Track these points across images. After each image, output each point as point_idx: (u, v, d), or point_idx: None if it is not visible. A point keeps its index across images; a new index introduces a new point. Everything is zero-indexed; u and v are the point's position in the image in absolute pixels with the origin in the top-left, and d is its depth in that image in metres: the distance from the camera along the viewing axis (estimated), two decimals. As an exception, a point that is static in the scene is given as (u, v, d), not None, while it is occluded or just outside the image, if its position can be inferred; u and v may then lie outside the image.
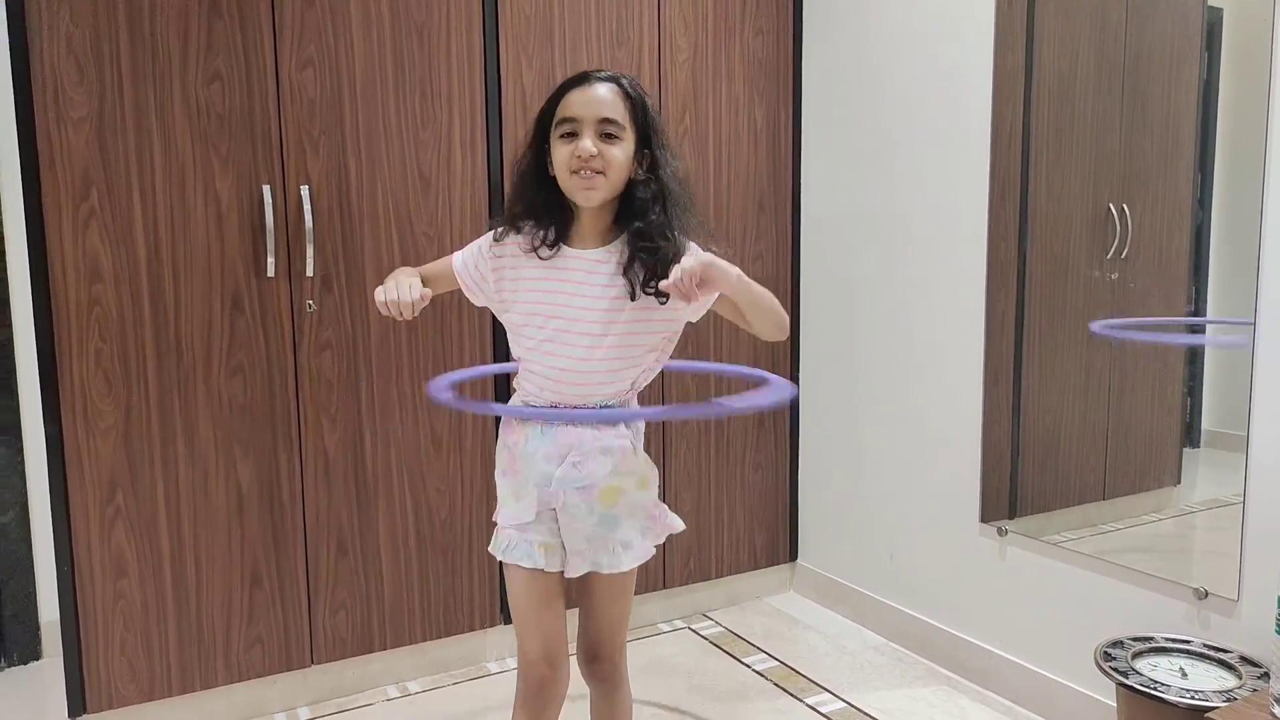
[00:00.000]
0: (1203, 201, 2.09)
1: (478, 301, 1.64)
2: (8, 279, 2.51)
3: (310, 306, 2.26)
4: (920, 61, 2.53)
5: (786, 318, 1.55)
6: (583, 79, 1.50)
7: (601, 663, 1.69)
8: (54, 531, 2.08)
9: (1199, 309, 2.11)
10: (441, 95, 2.37)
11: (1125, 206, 2.18)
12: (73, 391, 2.06)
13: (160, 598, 2.19)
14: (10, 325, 2.53)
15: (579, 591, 1.68)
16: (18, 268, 2.50)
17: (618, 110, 1.48)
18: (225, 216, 2.17)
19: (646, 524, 1.63)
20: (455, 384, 1.62)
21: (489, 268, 1.59)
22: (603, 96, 1.48)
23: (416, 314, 1.48)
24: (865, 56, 2.71)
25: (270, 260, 2.19)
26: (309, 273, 2.23)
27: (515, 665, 2.54)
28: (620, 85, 1.50)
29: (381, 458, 2.38)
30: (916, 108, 2.55)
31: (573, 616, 1.68)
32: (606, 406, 1.56)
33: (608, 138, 1.47)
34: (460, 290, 1.64)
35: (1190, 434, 2.19)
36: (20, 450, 2.56)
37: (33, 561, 2.61)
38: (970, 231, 2.41)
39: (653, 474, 1.64)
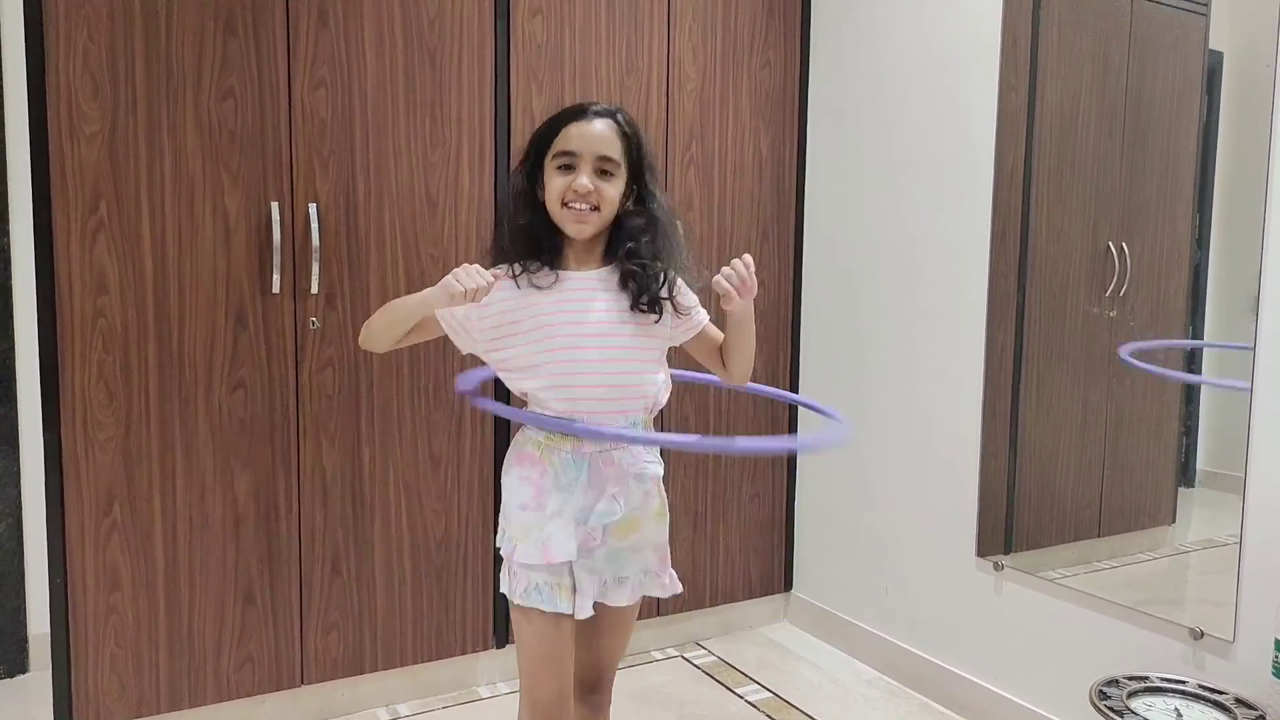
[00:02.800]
0: (1200, 241, 2.11)
1: (463, 347, 1.56)
2: (12, 289, 2.52)
3: (314, 324, 2.27)
4: (925, 97, 2.57)
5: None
6: (581, 113, 1.51)
7: (601, 693, 1.69)
8: (48, 543, 2.07)
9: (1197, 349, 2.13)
10: (451, 118, 2.40)
11: (1124, 244, 2.20)
12: (73, 402, 2.06)
13: (152, 613, 2.17)
14: (12, 335, 2.53)
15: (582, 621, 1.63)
16: (23, 278, 2.51)
17: (615, 148, 1.51)
18: (233, 232, 2.18)
19: (655, 566, 1.62)
20: (482, 382, 1.60)
21: (479, 312, 1.50)
22: (601, 133, 1.50)
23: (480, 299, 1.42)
24: (870, 90, 2.74)
25: (276, 277, 2.20)
26: (314, 290, 2.24)
27: (505, 690, 2.54)
28: (617, 122, 1.52)
29: (379, 477, 2.38)
30: (920, 142, 2.58)
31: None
32: (635, 424, 1.54)
33: (603, 174, 1.50)
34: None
35: (1186, 473, 2.20)
36: (17, 460, 2.56)
37: (24, 573, 2.59)
38: (971, 266, 2.43)
39: (666, 506, 1.65)
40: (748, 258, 1.45)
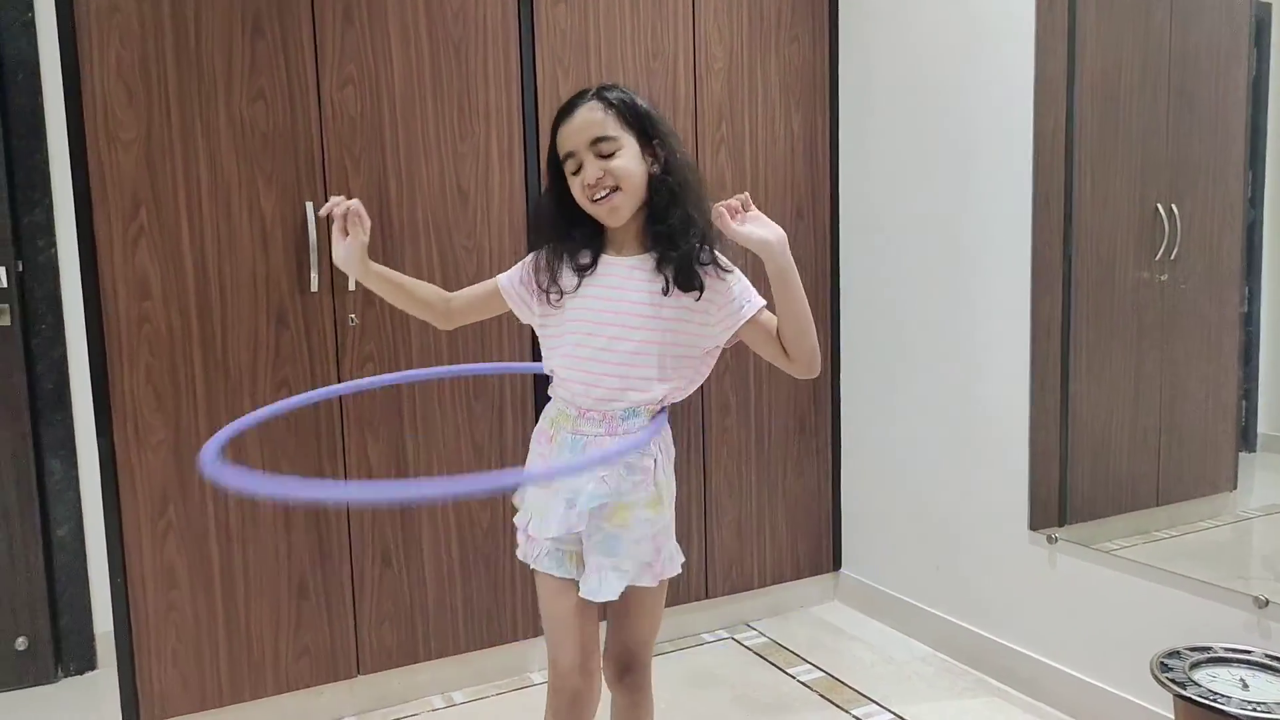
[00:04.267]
0: (1254, 199, 2.04)
1: (524, 318, 1.66)
2: (61, 298, 2.58)
3: (352, 321, 2.29)
4: (958, 66, 2.51)
5: (819, 351, 1.53)
6: (564, 112, 1.53)
7: (636, 673, 1.68)
8: (107, 544, 2.13)
9: (1253, 308, 2.06)
10: (479, 110, 2.39)
11: (1174, 206, 2.14)
12: (124, 407, 2.11)
13: (210, 609, 2.22)
14: (64, 343, 2.59)
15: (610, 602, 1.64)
16: (71, 287, 2.57)
17: (605, 125, 1.50)
18: (270, 233, 2.21)
19: (649, 558, 1.58)
20: (233, 437, 1.56)
21: (531, 287, 1.62)
22: (584, 120, 1.50)
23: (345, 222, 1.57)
24: (902, 62, 2.69)
25: (313, 275, 2.22)
26: (351, 286, 2.26)
27: (559, 676, 2.56)
28: (599, 98, 1.51)
29: (424, 468, 2.40)
30: (956, 113, 2.52)
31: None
32: (634, 414, 1.53)
33: (605, 155, 1.49)
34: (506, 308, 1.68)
35: (1246, 437, 2.14)
36: (75, 465, 2.62)
37: (88, 574, 2.67)
38: (1013, 236, 2.38)
39: (669, 494, 1.60)
40: (745, 194, 1.46)
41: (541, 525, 1.56)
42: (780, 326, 1.52)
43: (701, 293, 1.51)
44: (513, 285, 1.65)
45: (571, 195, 1.55)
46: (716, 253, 1.54)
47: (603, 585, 1.54)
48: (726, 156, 2.72)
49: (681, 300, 1.52)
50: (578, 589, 1.56)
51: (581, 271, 1.56)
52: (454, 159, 2.38)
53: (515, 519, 1.65)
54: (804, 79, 2.85)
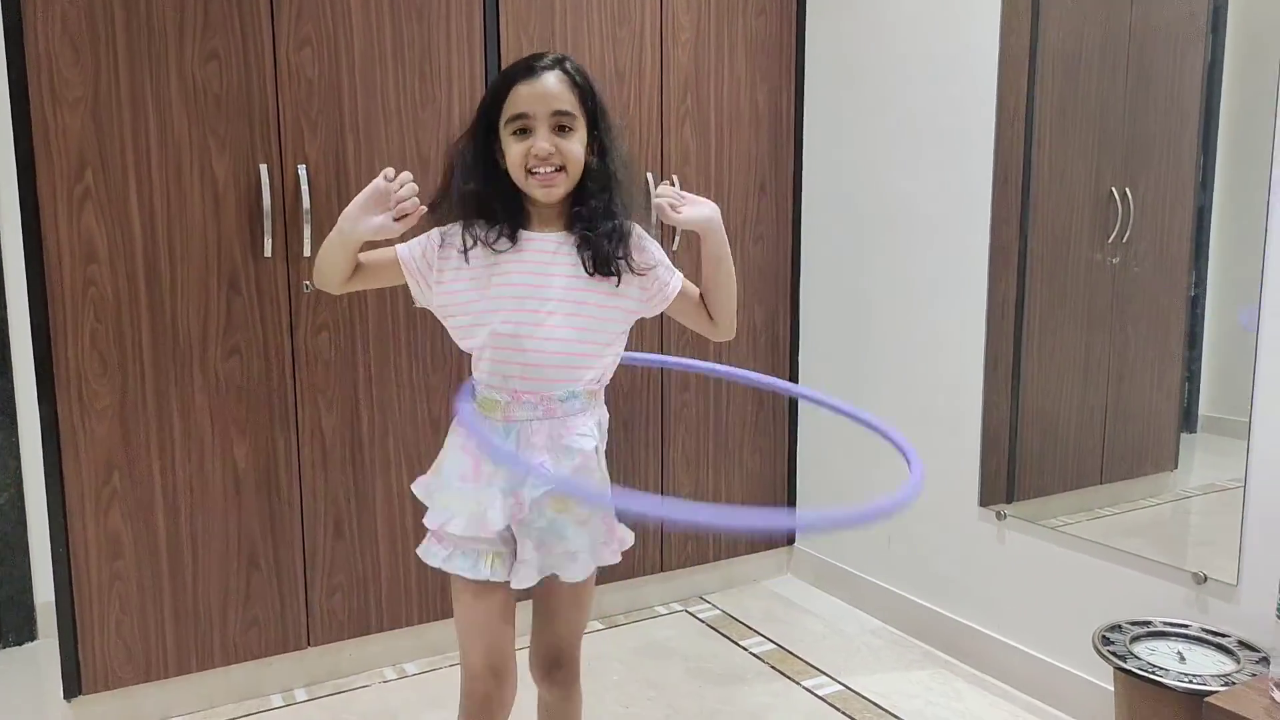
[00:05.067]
0: (1205, 183, 2.08)
1: (419, 298, 1.52)
2: (2, 261, 2.49)
3: (307, 287, 2.24)
4: (924, 42, 2.51)
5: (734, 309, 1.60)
6: (528, 70, 1.44)
7: (564, 669, 1.62)
8: (49, 513, 2.07)
9: (1200, 293, 2.11)
10: (441, 75, 2.35)
11: (1128, 189, 2.17)
12: (68, 373, 2.05)
13: (156, 579, 2.18)
14: (5, 307, 2.51)
15: (537, 596, 1.59)
16: (12, 249, 2.48)
17: (568, 100, 1.43)
18: (222, 197, 2.15)
19: (602, 535, 1.54)
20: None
21: (436, 265, 1.49)
22: (552, 88, 1.42)
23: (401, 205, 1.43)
24: (869, 36, 2.69)
25: (267, 240, 2.17)
26: (306, 253, 2.22)
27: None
28: (566, 72, 1.45)
29: (379, 439, 2.37)
30: (920, 88, 2.53)
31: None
32: (573, 395, 1.47)
33: (561, 130, 1.43)
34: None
35: (1188, 419, 2.19)
36: (15, 432, 2.55)
37: (28, 543, 2.60)
38: (973, 214, 2.40)
39: (608, 484, 1.56)
40: (673, 177, 1.47)
41: (472, 522, 1.45)
42: (712, 296, 1.56)
43: (620, 279, 1.47)
44: (414, 259, 1.49)
45: (496, 166, 1.47)
46: (636, 231, 1.51)
47: (554, 568, 1.50)
48: (691, 130, 2.71)
49: (607, 283, 1.48)
50: (495, 589, 1.48)
51: (500, 246, 1.46)
52: (414, 125, 2.33)
53: (425, 519, 1.53)
54: (770, 52, 2.83)
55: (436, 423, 2.43)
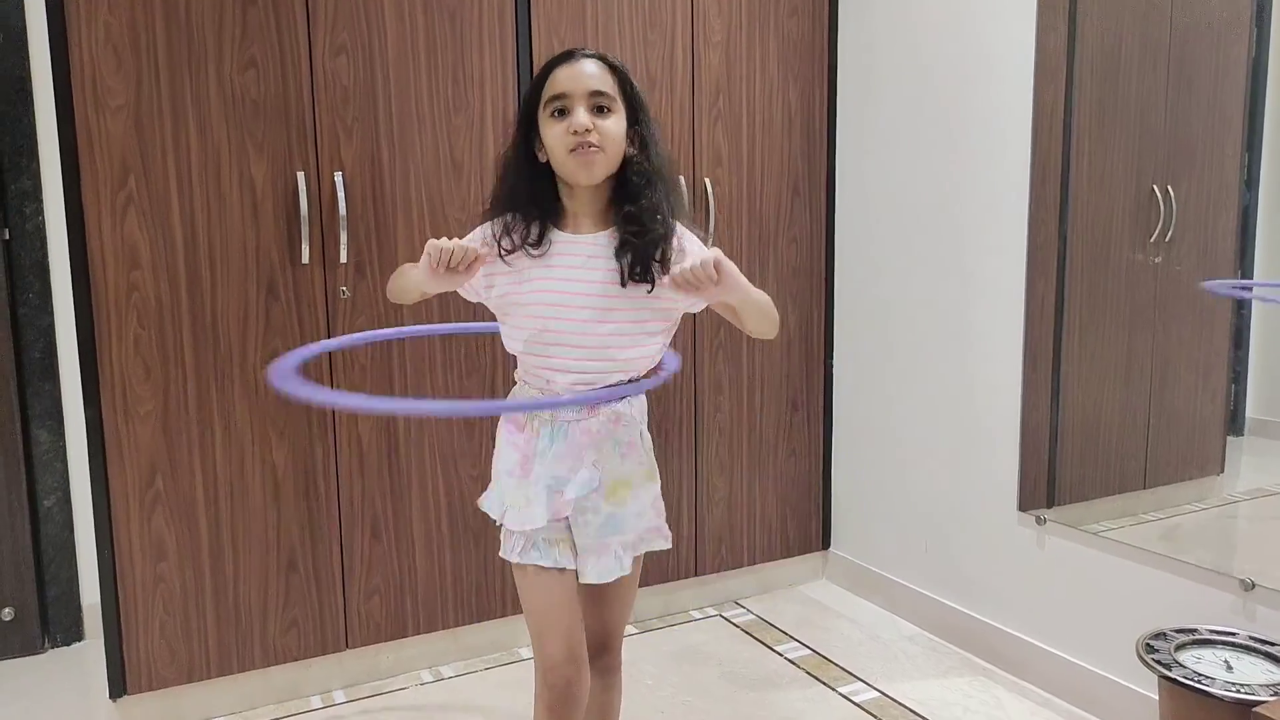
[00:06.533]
0: (1249, 182, 2.03)
1: (471, 297, 1.57)
2: (49, 265, 2.55)
3: (344, 293, 2.27)
4: (959, 41, 2.49)
5: (777, 318, 1.53)
6: (567, 56, 1.47)
7: (610, 654, 1.67)
8: (95, 515, 2.11)
9: (1246, 292, 2.06)
10: (474, 80, 2.37)
11: (1170, 188, 2.13)
12: (112, 377, 2.09)
13: (199, 581, 2.21)
14: (52, 312, 2.57)
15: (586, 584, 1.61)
16: (58, 254, 2.54)
17: (607, 83, 1.46)
18: (260, 203, 2.18)
19: (655, 523, 1.58)
20: (303, 362, 1.48)
21: (483, 282, 1.53)
22: (590, 70, 1.45)
23: (465, 268, 1.42)
24: (902, 36, 2.66)
25: (305, 247, 2.20)
26: (343, 259, 2.24)
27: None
28: (606, 60, 1.48)
29: (415, 443, 2.39)
30: (955, 88, 2.51)
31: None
32: (611, 390, 1.49)
33: (600, 111, 1.44)
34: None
35: (1234, 422, 2.15)
36: (62, 435, 2.61)
37: (75, 545, 2.66)
38: (1010, 214, 2.37)
39: (655, 465, 1.60)
40: (709, 258, 1.33)
41: (523, 516, 1.50)
42: (743, 324, 1.52)
43: (654, 286, 1.46)
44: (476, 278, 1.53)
45: (535, 161, 1.49)
46: (679, 231, 1.50)
47: (617, 564, 1.53)
48: (723, 131, 2.70)
49: (642, 286, 1.47)
50: (568, 578, 1.52)
51: (535, 248, 1.48)
52: (448, 130, 2.35)
53: (489, 511, 1.59)
54: (802, 53, 2.82)
55: (472, 427, 2.45)
